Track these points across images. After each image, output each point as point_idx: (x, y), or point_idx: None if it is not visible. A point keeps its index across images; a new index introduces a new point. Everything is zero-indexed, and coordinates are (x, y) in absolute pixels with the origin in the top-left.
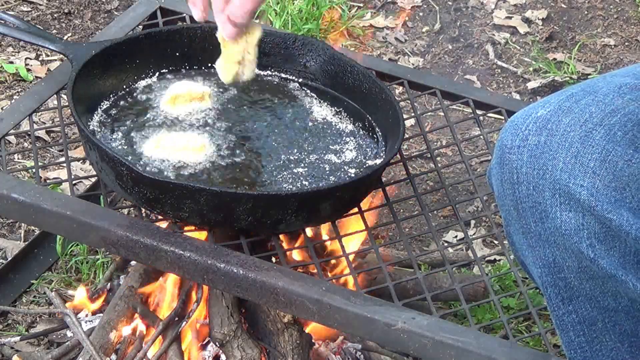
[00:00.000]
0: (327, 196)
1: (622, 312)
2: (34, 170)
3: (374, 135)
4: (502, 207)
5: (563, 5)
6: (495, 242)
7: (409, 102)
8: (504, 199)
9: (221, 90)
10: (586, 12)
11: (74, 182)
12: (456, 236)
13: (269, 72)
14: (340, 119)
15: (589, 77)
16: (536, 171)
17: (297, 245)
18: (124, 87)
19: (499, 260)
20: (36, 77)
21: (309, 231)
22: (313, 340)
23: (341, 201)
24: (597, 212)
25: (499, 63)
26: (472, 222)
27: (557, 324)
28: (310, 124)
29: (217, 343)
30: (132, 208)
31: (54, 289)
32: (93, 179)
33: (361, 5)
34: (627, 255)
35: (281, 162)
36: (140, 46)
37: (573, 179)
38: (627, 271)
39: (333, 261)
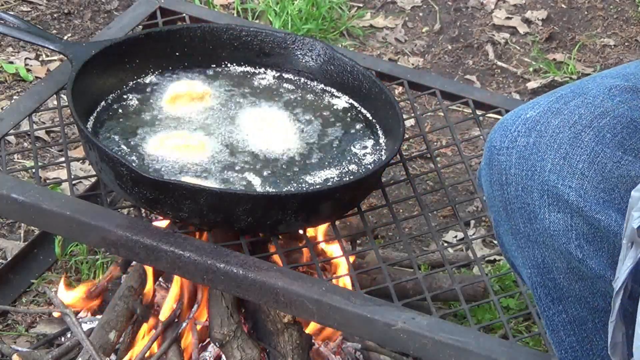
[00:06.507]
0: (327, 196)
1: None
2: (33, 170)
3: (374, 136)
4: (492, 208)
5: (563, 6)
6: (495, 242)
7: (409, 102)
8: (493, 200)
9: (221, 89)
10: (586, 13)
11: (73, 182)
12: (456, 236)
13: (269, 72)
14: (340, 119)
15: None
16: (525, 172)
17: (297, 245)
18: (124, 87)
19: (499, 260)
20: (36, 77)
21: (309, 231)
22: (313, 340)
23: (341, 201)
24: (585, 213)
25: (499, 63)
26: (472, 222)
27: (547, 324)
28: (310, 124)
29: (217, 343)
30: (132, 208)
31: (54, 289)
32: (93, 179)
33: (361, 5)
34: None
35: (281, 162)
36: (140, 46)
37: (562, 180)
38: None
39: (333, 261)
